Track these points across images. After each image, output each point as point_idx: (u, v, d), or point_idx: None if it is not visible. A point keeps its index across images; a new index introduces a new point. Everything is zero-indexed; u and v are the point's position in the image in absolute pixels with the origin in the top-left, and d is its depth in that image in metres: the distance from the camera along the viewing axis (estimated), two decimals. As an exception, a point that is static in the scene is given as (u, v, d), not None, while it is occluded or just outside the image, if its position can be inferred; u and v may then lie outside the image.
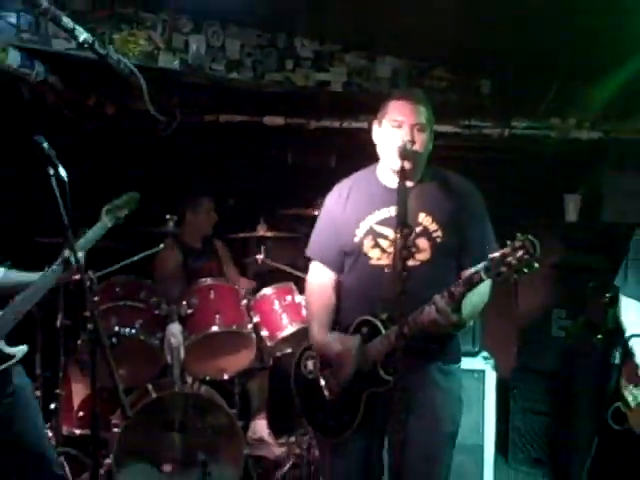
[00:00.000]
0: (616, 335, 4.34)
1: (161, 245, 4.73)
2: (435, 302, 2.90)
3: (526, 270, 2.72)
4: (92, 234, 3.69)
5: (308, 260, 3.52)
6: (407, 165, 3.04)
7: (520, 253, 2.70)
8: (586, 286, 5.07)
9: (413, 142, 3.09)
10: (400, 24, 4.50)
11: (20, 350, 3.42)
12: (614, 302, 4.45)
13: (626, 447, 4.08)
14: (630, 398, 3.84)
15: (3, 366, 3.33)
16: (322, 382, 3.30)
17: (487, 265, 2.81)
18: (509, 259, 2.73)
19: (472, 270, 2.91)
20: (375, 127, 3.30)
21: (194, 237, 5.35)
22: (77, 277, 3.47)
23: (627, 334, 3.91)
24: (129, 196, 3.90)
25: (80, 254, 3.39)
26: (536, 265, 2.72)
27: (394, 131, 3.16)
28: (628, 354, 3.87)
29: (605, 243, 5.37)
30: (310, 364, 3.38)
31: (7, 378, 3.39)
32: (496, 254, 2.77)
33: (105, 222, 3.78)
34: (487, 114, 5.57)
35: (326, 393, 3.28)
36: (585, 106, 5.34)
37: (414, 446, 2.96)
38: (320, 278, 3.42)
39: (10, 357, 3.36)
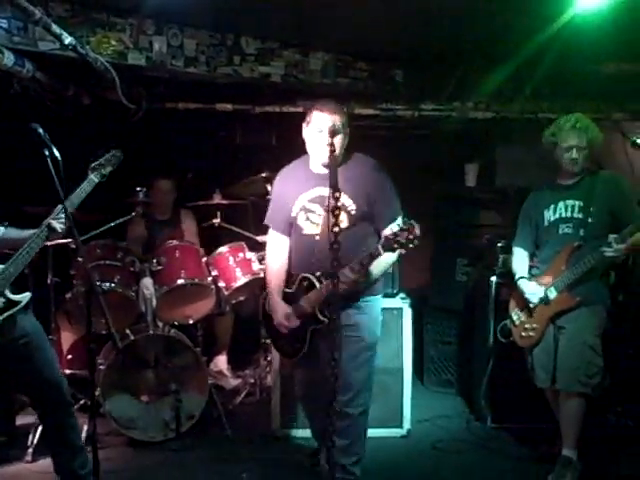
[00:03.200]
0: (505, 276, 4.67)
1: (133, 214, 4.71)
2: (343, 273, 3.22)
3: (411, 246, 3.11)
4: (80, 191, 3.53)
5: (263, 217, 3.79)
6: (327, 161, 3.31)
7: (406, 234, 3.09)
8: (483, 239, 5.25)
9: (331, 145, 3.23)
10: (329, 25, 4.56)
11: (25, 297, 3.37)
12: (504, 250, 4.73)
13: (516, 363, 4.33)
14: (515, 317, 4.18)
15: (11, 311, 3.30)
16: (275, 322, 3.63)
17: (383, 243, 3.19)
18: (398, 238, 3.11)
19: (374, 245, 3.26)
20: (304, 126, 3.56)
21: (160, 210, 5.30)
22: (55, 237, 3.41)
23: (516, 277, 4.16)
24: (112, 154, 3.73)
25: (70, 210, 3.36)
26: (417, 242, 3.10)
27: (317, 135, 3.45)
28: (516, 288, 4.15)
29: (498, 203, 5.57)
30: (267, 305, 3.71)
31: (16, 322, 3.34)
32: (389, 234, 3.16)
33: (92, 179, 3.62)
34: (400, 98, 5.62)
35: (280, 329, 3.63)
36: (480, 91, 5.45)
37: (345, 352, 3.26)
38: (276, 242, 3.73)
39: (17, 303, 3.32)
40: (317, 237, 3.49)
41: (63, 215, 3.33)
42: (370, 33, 4.69)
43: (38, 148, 3.17)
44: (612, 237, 3.70)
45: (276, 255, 3.72)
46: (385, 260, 3.40)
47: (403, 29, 4.56)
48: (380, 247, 3.21)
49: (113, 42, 4.21)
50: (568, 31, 4.26)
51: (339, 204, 3.29)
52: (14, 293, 3.32)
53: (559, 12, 4.10)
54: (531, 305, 4.05)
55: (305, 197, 3.56)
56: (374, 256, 3.27)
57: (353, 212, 3.47)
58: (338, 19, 4.40)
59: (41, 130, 3.18)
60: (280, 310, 3.60)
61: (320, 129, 3.44)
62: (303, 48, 5.12)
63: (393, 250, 3.20)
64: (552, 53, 4.67)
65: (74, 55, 3.55)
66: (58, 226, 3.35)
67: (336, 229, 3.09)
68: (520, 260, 4.21)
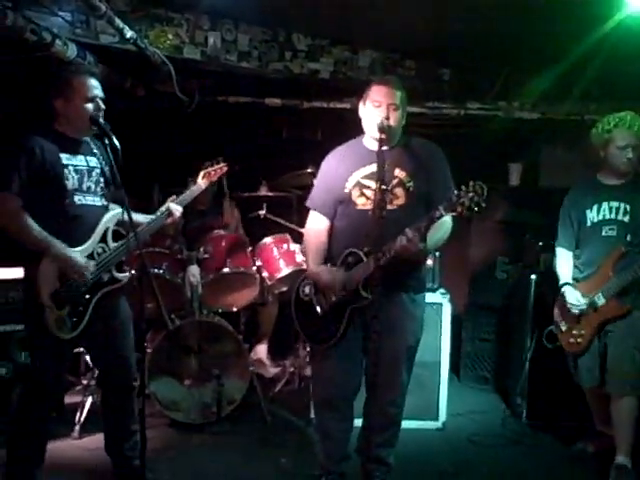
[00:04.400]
0: (546, 275, 4.65)
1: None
2: (405, 233, 3.15)
3: (476, 209, 2.99)
4: (189, 193, 3.93)
5: (306, 210, 3.69)
6: (384, 136, 3.27)
7: (471, 195, 2.98)
8: (524, 238, 5.25)
9: (388, 118, 3.33)
10: (377, 23, 4.62)
11: (126, 275, 3.53)
12: (545, 249, 4.71)
13: (554, 362, 4.35)
14: (562, 324, 4.11)
15: (115, 286, 3.46)
16: (315, 301, 3.53)
17: (445, 205, 3.08)
18: (463, 200, 3.00)
19: (435, 209, 3.15)
20: (360, 105, 3.51)
21: (199, 200, 5.23)
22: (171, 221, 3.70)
23: (560, 282, 4.09)
24: (221, 165, 4.25)
25: (180, 208, 3.74)
26: (483, 205, 2.97)
27: (374, 110, 3.39)
28: (561, 296, 4.07)
29: (541, 203, 5.46)
30: (307, 288, 3.57)
31: (113, 299, 3.50)
32: (453, 195, 3.05)
33: (200, 185, 4.09)
34: (446, 97, 5.66)
35: (318, 310, 3.50)
36: (527, 91, 5.49)
37: (383, 354, 3.14)
38: (317, 224, 3.61)
39: (119, 280, 3.48)
40: (370, 212, 3.34)
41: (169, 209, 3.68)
42: (418, 32, 4.76)
43: (100, 137, 3.35)
44: None
45: (317, 235, 3.60)
46: (442, 229, 3.39)
47: (451, 28, 4.61)
48: (442, 208, 3.10)
49: (170, 36, 4.35)
50: (618, 33, 4.24)
51: (397, 179, 3.41)
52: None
53: (609, 14, 4.10)
54: (577, 311, 3.98)
55: (360, 173, 3.47)
56: (435, 218, 3.16)
57: (411, 189, 3.42)
58: (386, 17, 4.46)
59: (102, 120, 3.31)
60: (324, 274, 3.46)
61: (378, 103, 3.40)
62: (352, 46, 5.20)
63: (456, 212, 3.09)
64: (601, 55, 4.65)
65: (133, 48, 3.71)
66: (177, 212, 3.66)
67: (389, 206, 3.22)
68: (564, 263, 4.14)
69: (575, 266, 4.13)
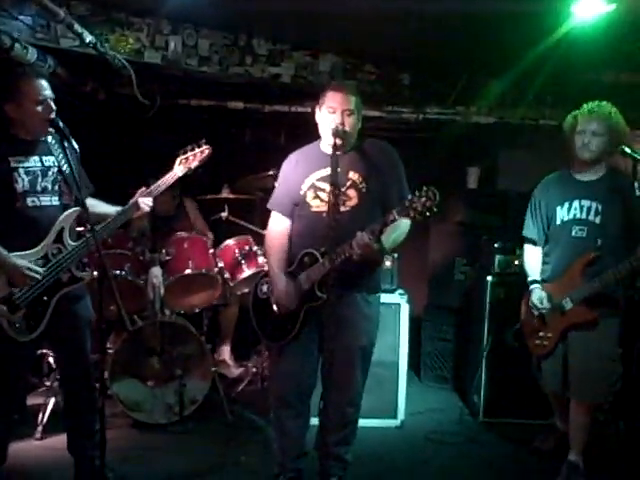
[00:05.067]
0: (501, 276, 4.75)
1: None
2: (357, 236, 3.23)
3: (428, 213, 3.06)
4: (162, 181, 3.76)
5: (268, 212, 3.75)
6: (338, 141, 3.33)
7: (424, 199, 3.06)
8: (481, 240, 5.27)
9: (343, 124, 3.40)
10: (338, 29, 4.70)
11: (87, 274, 3.51)
12: (500, 251, 4.77)
13: (510, 361, 4.49)
14: (528, 328, 4.06)
15: (75, 285, 3.44)
16: (272, 300, 3.57)
17: (398, 209, 3.16)
18: (415, 204, 3.08)
19: (390, 212, 3.22)
20: (317, 111, 3.57)
21: (163, 206, 5.26)
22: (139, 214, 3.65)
23: (529, 279, 4.05)
24: (201, 149, 3.89)
25: (148, 201, 3.65)
26: (435, 210, 3.05)
27: (329, 115, 3.46)
28: (528, 294, 4.03)
29: (498, 206, 5.62)
30: (265, 287, 3.65)
31: (77, 300, 3.52)
32: (406, 200, 3.13)
33: (175, 171, 3.84)
34: (406, 102, 5.74)
35: (275, 308, 3.56)
36: (483, 96, 5.58)
37: (338, 353, 3.24)
38: (278, 224, 3.67)
39: (79, 279, 3.47)
40: (324, 214, 3.40)
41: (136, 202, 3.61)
42: (378, 37, 4.82)
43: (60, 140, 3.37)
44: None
45: (278, 235, 3.66)
46: (399, 229, 3.44)
47: (411, 35, 4.71)
48: (395, 212, 3.17)
49: (131, 40, 4.38)
50: (567, 42, 4.38)
51: (350, 181, 3.47)
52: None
53: (557, 24, 4.22)
54: (537, 313, 3.97)
55: (315, 176, 3.54)
56: (387, 222, 3.23)
57: (364, 190, 3.48)
58: (348, 23, 4.52)
59: (61, 123, 3.32)
60: (280, 283, 3.52)
61: (332, 109, 3.45)
62: (313, 50, 5.26)
63: (409, 217, 3.16)
64: (552, 62, 4.79)
65: (94, 52, 3.72)
66: (144, 205, 3.62)
67: (343, 208, 3.30)
68: (532, 259, 4.08)
69: (544, 262, 4.07)
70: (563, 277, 3.90)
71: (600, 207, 3.78)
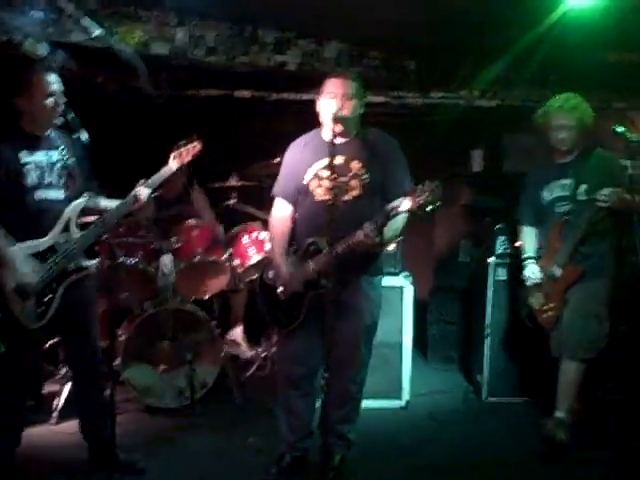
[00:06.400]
0: (504, 257, 4.88)
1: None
2: (364, 227, 3.32)
3: (431, 207, 3.16)
4: (159, 176, 3.87)
5: (273, 198, 3.84)
6: (338, 128, 3.42)
7: (427, 194, 3.16)
8: (484, 221, 5.40)
9: (342, 109, 3.46)
10: (342, 16, 4.72)
11: (94, 263, 3.64)
12: (503, 232, 4.92)
13: (513, 340, 4.64)
14: (534, 302, 4.29)
15: (82, 273, 3.57)
16: (277, 284, 3.66)
17: (404, 202, 3.23)
18: (419, 199, 3.17)
19: (392, 204, 3.31)
20: (318, 99, 3.65)
21: (169, 190, 5.27)
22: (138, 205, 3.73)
23: (523, 255, 4.38)
24: (193, 144, 4.00)
25: (147, 191, 3.74)
26: (438, 204, 3.16)
27: (329, 101, 3.52)
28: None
29: (503, 188, 5.62)
30: (271, 273, 3.75)
31: (84, 288, 3.63)
32: (409, 193, 3.21)
33: (170, 166, 3.94)
34: (411, 87, 5.80)
35: (280, 291, 3.65)
36: (486, 80, 5.62)
37: (343, 333, 3.38)
38: (281, 211, 3.77)
39: (86, 268, 3.60)
40: (328, 203, 3.40)
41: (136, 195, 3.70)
42: (382, 23, 4.84)
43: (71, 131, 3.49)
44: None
45: (281, 221, 3.75)
46: (398, 222, 3.50)
47: (415, 21, 4.75)
48: (399, 206, 3.26)
49: (139, 33, 4.46)
50: (566, 23, 4.48)
51: (352, 171, 3.55)
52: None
53: (556, 5, 4.34)
54: (529, 283, 4.25)
55: (318, 165, 3.60)
56: (390, 215, 3.32)
57: (367, 181, 3.55)
58: (352, 10, 4.59)
59: (72, 115, 3.45)
60: (284, 270, 3.61)
61: (333, 94, 3.52)
62: (318, 38, 5.30)
63: (411, 210, 3.25)
64: (551, 44, 4.85)
65: (102, 45, 3.84)
66: (143, 197, 3.71)
67: (345, 197, 3.38)
68: (529, 238, 4.41)
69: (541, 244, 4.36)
70: (547, 249, 4.26)
71: (574, 182, 4.13)
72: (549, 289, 4.21)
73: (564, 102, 4.11)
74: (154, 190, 3.90)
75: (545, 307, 4.23)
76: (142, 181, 3.80)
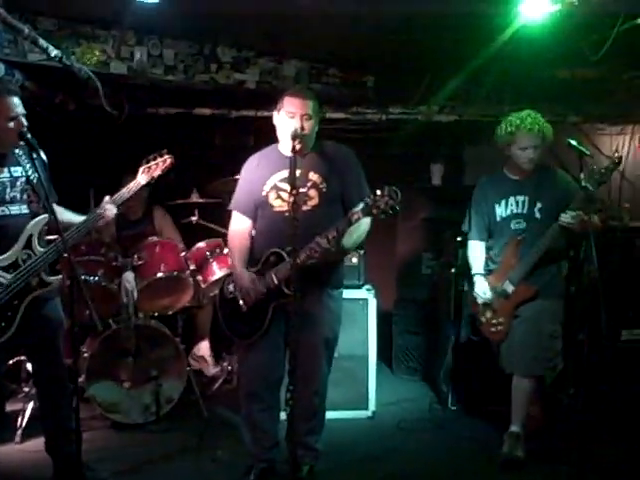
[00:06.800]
0: (464, 269, 4.83)
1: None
2: (315, 241, 3.40)
3: (391, 212, 3.22)
4: (126, 190, 3.85)
5: (230, 212, 3.89)
6: (297, 145, 3.49)
7: (386, 199, 3.21)
8: (444, 235, 5.46)
9: (303, 128, 3.56)
10: (302, 35, 4.85)
11: (57, 278, 3.63)
12: (463, 245, 4.92)
13: (476, 350, 4.66)
14: (482, 319, 4.31)
15: (45, 289, 3.57)
16: (239, 297, 3.71)
17: (362, 207, 3.31)
18: (378, 203, 3.23)
19: (353, 210, 3.40)
20: (275, 114, 3.73)
21: (132, 210, 5.37)
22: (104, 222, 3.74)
23: (472, 272, 4.35)
24: (163, 159, 3.97)
25: (112, 207, 3.74)
26: (397, 208, 3.20)
27: (289, 120, 3.61)
28: (472, 286, 4.32)
29: (464, 201, 5.83)
30: (231, 287, 3.80)
31: (46, 304, 3.64)
32: (369, 199, 3.27)
33: (138, 180, 3.93)
34: (370, 103, 5.90)
35: (242, 305, 3.70)
36: (444, 96, 5.72)
37: (303, 346, 3.40)
38: (239, 224, 3.83)
39: (48, 284, 3.59)
40: (286, 214, 3.53)
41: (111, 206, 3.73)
42: (342, 42, 4.98)
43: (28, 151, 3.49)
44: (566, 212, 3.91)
45: (239, 234, 3.81)
46: (360, 229, 3.59)
47: (373, 39, 4.88)
48: (360, 212, 3.31)
49: (97, 52, 4.50)
50: (519, 40, 4.53)
51: (311, 182, 3.62)
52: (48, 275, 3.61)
53: (507, 23, 4.38)
54: (480, 301, 4.25)
55: (276, 177, 3.68)
56: (352, 221, 3.37)
57: (324, 190, 3.63)
58: (310, 30, 4.69)
59: (29, 135, 3.44)
60: (246, 277, 3.64)
61: (292, 114, 3.59)
62: (277, 56, 5.40)
63: (371, 215, 3.32)
64: (505, 60, 4.96)
65: (60, 66, 3.85)
66: (109, 213, 3.72)
67: (304, 207, 3.45)
68: (476, 254, 4.37)
69: (489, 258, 4.36)
70: (501, 265, 4.24)
71: (530, 200, 4.13)
72: (498, 304, 4.21)
73: (532, 124, 4.07)
74: (120, 205, 3.90)
75: (494, 321, 4.24)
76: (107, 198, 3.81)
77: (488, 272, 4.33)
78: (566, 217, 3.91)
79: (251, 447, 3.87)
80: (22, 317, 3.52)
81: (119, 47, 4.64)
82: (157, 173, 3.99)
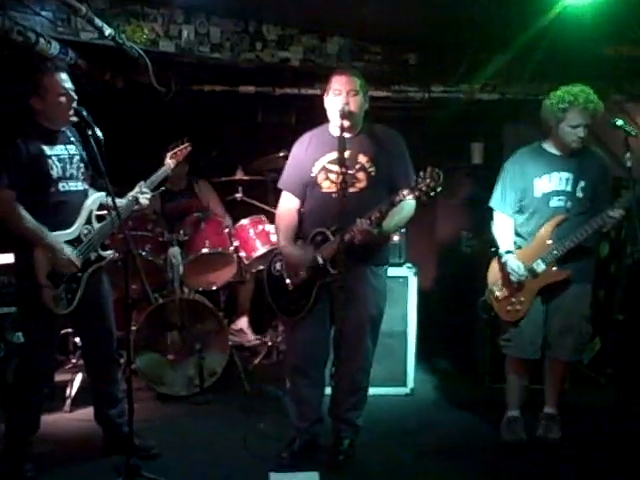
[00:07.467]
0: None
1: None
2: (356, 223, 3.45)
3: (432, 193, 3.27)
4: (158, 175, 4.08)
5: (280, 191, 3.95)
6: (345, 123, 3.56)
7: (428, 180, 3.27)
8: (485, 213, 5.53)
9: (348, 104, 3.60)
10: (344, 11, 4.83)
11: (110, 253, 3.79)
12: None
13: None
14: (497, 291, 4.17)
15: (101, 263, 3.75)
16: (286, 276, 3.79)
17: (405, 190, 3.37)
18: (421, 185, 3.29)
19: (397, 193, 3.42)
20: (325, 97, 3.77)
21: (173, 181, 5.42)
22: (139, 207, 3.92)
23: (501, 250, 4.13)
24: (186, 145, 4.37)
25: (147, 196, 3.89)
26: (439, 190, 3.25)
27: (335, 98, 3.66)
28: (503, 264, 4.11)
29: None
30: (278, 265, 3.86)
31: (100, 275, 3.80)
32: (411, 181, 3.34)
33: (168, 164, 4.23)
34: (412, 81, 5.87)
35: (288, 284, 3.77)
36: (487, 74, 5.68)
37: (349, 323, 3.51)
38: (287, 203, 3.89)
39: (104, 258, 3.76)
40: (334, 195, 3.60)
41: (147, 190, 3.91)
42: (383, 18, 4.94)
43: (83, 128, 3.58)
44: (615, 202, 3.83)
45: (287, 213, 3.86)
46: (402, 213, 3.65)
47: (416, 16, 4.87)
48: (402, 193, 3.35)
49: (146, 31, 4.58)
50: (564, 18, 4.52)
51: (359, 164, 3.68)
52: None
53: (552, 2, 4.40)
54: (516, 280, 4.04)
55: (326, 159, 3.71)
56: (394, 203, 3.43)
57: (373, 174, 3.66)
58: (353, 5, 4.68)
59: (85, 112, 3.55)
60: (293, 260, 3.72)
61: (338, 91, 3.63)
62: (320, 34, 5.40)
63: (414, 197, 3.38)
64: (550, 38, 4.92)
65: (112, 44, 3.94)
66: (143, 200, 3.88)
67: (352, 189, 3.50)
68: (505, 230, 4.17)
69: (519, 234, 4.18)
70: (533, 243, 4.08)
71: (573, 176, 3.99)
72: (523, 282, 4.06)
73: (586, 101, 3.86)
74: (155, 188, 4.08)
75: (513, 299, 4.11)
76: (141, 183, 3.96)
77: (518, 248, 4.16)
78: (614, 214, 3.83)
79: (295, 421, 3.97)
80: (83, 289, 3.67)
81: (167, 26, 4.72)
82: (182, 157, 4.37)
